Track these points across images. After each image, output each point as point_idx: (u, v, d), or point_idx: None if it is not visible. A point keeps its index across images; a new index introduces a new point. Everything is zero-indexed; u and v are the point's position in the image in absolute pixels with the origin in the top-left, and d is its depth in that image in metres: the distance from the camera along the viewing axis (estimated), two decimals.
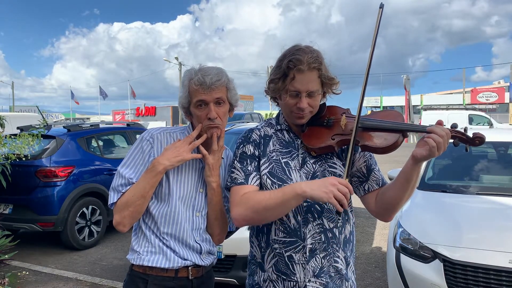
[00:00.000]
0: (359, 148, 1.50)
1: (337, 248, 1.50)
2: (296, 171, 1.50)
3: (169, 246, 1.58)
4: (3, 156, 4.75)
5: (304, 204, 1.47)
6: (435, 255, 2.75)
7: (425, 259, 2.79)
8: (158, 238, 1.59)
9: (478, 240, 2.79)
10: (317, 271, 1.47)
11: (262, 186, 1.52)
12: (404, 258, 2.91)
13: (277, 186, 1.48)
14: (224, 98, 1.58)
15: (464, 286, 2.59)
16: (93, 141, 6.06)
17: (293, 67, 1.42)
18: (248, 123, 6.87)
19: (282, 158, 1.52)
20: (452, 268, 2.64)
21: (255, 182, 1.50)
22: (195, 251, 1.62)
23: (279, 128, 1.59)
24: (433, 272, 2.71)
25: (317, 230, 1.46)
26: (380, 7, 1.36)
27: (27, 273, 4.61)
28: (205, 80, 1.52)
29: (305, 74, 1.42)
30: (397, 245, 3.02)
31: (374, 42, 1.38)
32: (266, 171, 1.51)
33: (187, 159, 1.55)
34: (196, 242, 1.61)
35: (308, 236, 1.46)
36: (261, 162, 1.52)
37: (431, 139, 1.29)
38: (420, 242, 2.87)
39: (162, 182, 1.58)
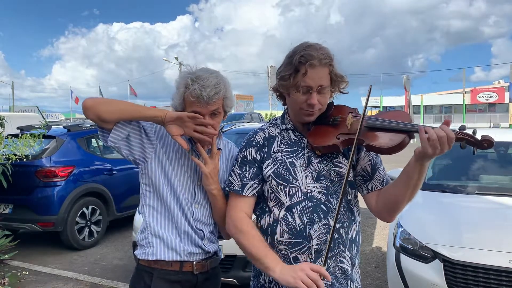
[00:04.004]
0: (364, 148, 1.49)
1: (343, 249, 1.49)
2: (302, 170, 1.49)
3: (172, 239, 1.60)
4: (4, 156, 4.75)
5: (310, 204, 1.46)
6: (435, 255, 2.75)
7: (425, 259, 2.79)
8: (161, 232, 1.61)
9: (478, 240, 2.79)
10: None
11: (268, 188, 1.52)
12: (404, 258, 2.91)
13: (282, 187, 1.48)
14: (220, 109, 1.57)
15: (464, 286, 2.59)
16: (93, 141, 6.06)
17: (305, 62, 1.41)
18: (248, 123, 6.88)
19: (287, 158, 1.51)
20: (452, 268, 2.64)
21: (251, 192, 1.52)
22: (199, 237, 1.63)
23: (284, 128, 1.58)
24: (433, 272, 2.71)
25: (323, 231, 1.45)
26: (368, 90, 1.47)
27: (27, 273, 4.61)
28: (202, 94, 1.49)
29: (317, 70, 1.42)
30: (397, 245, 3.02)
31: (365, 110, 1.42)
32: (270, 171, 1.50)
33: (183, 117, 1.50)
34: (197, 230, 1.63)
35: (313, 237, 1.45)
36: (265, 163, 1.52)
37: (422, 131, 1.28)
38: (420, 242, 2.87)
39: (160, 176, 1.60)
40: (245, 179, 1.52)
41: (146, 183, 1.64)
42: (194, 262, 1.62)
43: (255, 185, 1.53)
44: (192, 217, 1.62)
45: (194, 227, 1.62)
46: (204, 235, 1.64)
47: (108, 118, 1.48)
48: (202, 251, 1.64)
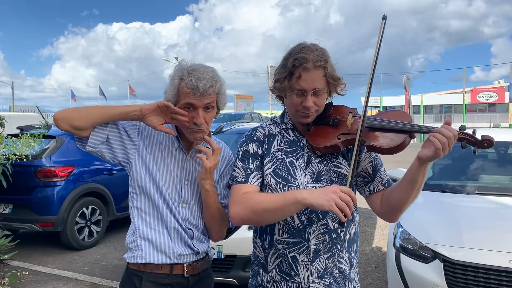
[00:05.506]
0: (365, 148, 1.49)
1: (341, 249, 1.49)
2: (301, 170, 1.49)
3: (162, 241, 1.58)
4: (4, 156, 4.75)
5: None
6: (435, 255, 2.75)
7: (425, 259, 2.79)
8: (150, 233, 1.59)
9: (478, 240, 2.79)
10: (320, 272, 1.46)
11: (266, 186, 1.51)
12: (404, 258, 2.91)
13: (281, 186, 1.47)
14: (214, 103, 1.56)
15: (464, 286, 2.59)
16: None
17: (299, 66, 1.41)
18: (248, 123, 6.88)
19: (287, 158, 1.51)
20: (452, 268, 2.64)
21: (255, 181, 1.49)
22: (188, 236, 1.61)
23: (284, 127, 1.58)
24: (433, 272, 2.71)
25: (322, 231, 1.45)
26: (383, 19, 1.38)
27: (27, 273, 4.61)
28: (198, 85, 1.48)
29: (310, 73, 1.41)
30: (397, 245, 3.02)
31: (378, 51, 1.39)
32: (270, 170, 1.50)
33: (160, 106, 1.49)
34: (186, 229, 1.61)
35: (312, 237, 1.45)
36: (265, 161, 1.51)
37: (436, 139, 1.27)
38: (420, 242, 2.87)
39: (146, 176, 1.58)
40: (248, 170, 1.50)
41: (132, 185, 1.62)
42: (185, 265, 1.60)
43: (259, 176, 1.51)
44: (180, 216, 1.60)
45: (183, 225, 1.60)
46: (193, 234, 1.62)
47: (81, 125, 1.47)
48: (192, 251, 1.62)
